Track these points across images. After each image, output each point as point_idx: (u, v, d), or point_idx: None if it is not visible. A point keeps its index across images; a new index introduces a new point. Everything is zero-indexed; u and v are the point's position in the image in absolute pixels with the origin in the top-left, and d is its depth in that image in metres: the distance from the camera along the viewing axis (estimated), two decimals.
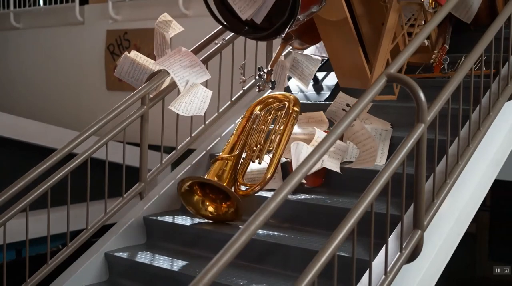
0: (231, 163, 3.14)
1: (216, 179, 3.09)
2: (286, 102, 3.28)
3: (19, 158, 5.94)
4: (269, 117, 3.31)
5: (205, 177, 3.14)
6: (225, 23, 2.93)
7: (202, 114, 3.34)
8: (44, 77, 8.60)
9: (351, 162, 2.98)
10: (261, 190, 3.06)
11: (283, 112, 3.25)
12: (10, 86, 9.07)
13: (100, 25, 7.83)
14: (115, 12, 7.69)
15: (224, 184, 3.06)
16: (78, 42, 8.18)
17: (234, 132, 3.33)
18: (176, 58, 3.26)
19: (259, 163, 3.12)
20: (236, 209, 3.09)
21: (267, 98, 3.42)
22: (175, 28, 3.47)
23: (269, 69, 3.36)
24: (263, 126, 3.25)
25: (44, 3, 8.66)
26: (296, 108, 3.24)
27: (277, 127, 3.19)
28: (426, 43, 3.22)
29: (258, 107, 3.39)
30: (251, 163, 3.18)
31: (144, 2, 7.34)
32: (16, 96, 8.93)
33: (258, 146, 3.15)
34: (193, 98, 3.25)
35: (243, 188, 3.12)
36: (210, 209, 3.19)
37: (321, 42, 3.82)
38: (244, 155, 3.22)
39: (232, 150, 3.21)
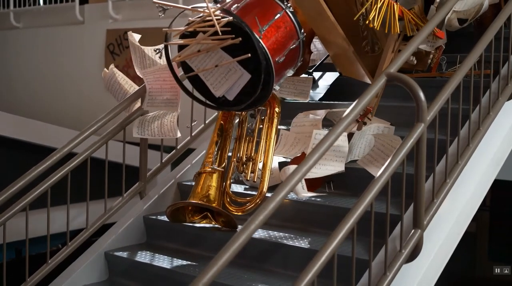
0: (218, 176, 2.98)
1: (205, 199, 2.93)
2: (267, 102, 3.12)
3: (19, 157, 5.94)
4: (252, 125, 3.14)
5: (192, 200, 2.96)
6: (197, 97, 2.87)
7: (179, 135, 3.21)
8: (44, 76, 8.60)
9: (355, 161, 2.98)
10: (255, 206, 2.95)
11: (266, 117, 3.10)
12: (10, 86, 9.07)
13: (100, 25, 7.84)
14: (115, 11, 7.70)
15: (214, 203, 2.93)
16: (78, 42, 8.18)
17: (211, 136, 3.15)
18: (162, 76, 3.10)
19: (254, 181, 3.03)
20: (229, 222, 2.98)
21: None
22: (135, 37, 3.30)
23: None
24: (249, 137, 3.09)
25: (44, 3, 8.67)
26: (277, 110, 3.11)
27: (264, 140, 3.05)
28: (415, 62, 3.18)
29: None
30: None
31: (144, 1, 7.35)
32: (16, 95, 8.94)
33: (250, 162, 3.03)
34: (162, 120, 3.17)
35: (234, 203, 3.02)
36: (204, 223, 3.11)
37: (318, 44, 3.83)
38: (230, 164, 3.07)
39: (214, 159, 3.03)
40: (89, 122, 3.18)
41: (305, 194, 2.88)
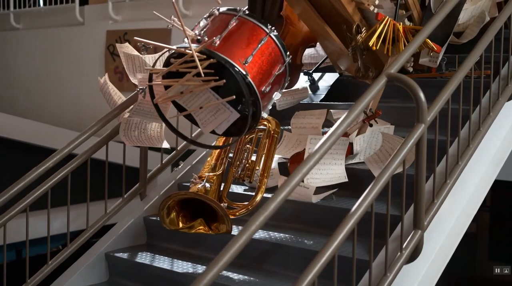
0: (215, 182, 2.90)
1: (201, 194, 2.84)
2: (266, 122, 3.09)
3: (19, 158, 5.94)
4: (252, 136, 3.10)
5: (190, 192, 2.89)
6: (184, 135, 2.83)
7: (166, 145, 3.17)
8: (44, 77, 8.61)
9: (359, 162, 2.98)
10: (247, 212, 2.90)
11: (265, 133, 3.06)
12: (10, 87, 9.07)
13: (100, 26, 7.85)
14: (115, 12, 7.71)
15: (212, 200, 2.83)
16: (78, 43, 8.19)
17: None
18: (156, 90, 2.87)
19: (250, 182, 2.99)
20: (225, 225, 2.85)
21: None
22: (129, 48, 3.23)
23: None
24: (248, 146, 3.04)
25: (44, 4, 8.68)
26: (277, 129, 3.07)
27: (262, 151, 3.01)
28: (411, 70, 3.16)
29: None
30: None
31: (144, 2, 7.35)
32: (16, 96, 8.94)
33: (247, 165, 2.98)
34: (149, 130, 3.13)
35: (228, 208, 2.93)
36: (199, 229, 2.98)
37: (317, 46, 3.82)
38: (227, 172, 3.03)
39: (214, 167, 2.98)
40: (89, 123, 3.18)
41: (315, 197, 2.87)
